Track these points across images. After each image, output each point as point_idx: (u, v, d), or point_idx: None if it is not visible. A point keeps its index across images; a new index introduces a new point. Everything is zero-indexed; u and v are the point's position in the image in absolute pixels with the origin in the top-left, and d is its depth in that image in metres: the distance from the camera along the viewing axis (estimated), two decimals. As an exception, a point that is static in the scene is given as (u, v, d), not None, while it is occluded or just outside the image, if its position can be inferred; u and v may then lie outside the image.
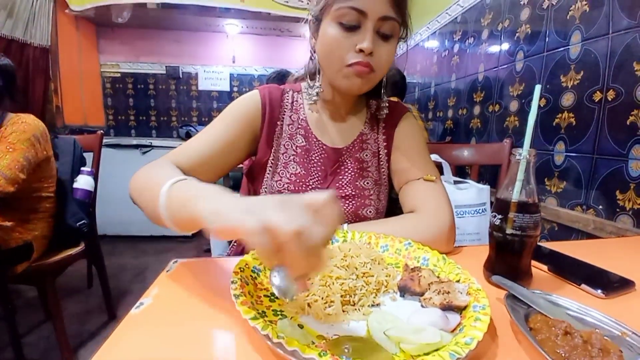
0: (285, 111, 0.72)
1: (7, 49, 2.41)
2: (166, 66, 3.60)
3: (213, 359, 0.32)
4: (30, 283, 1.31)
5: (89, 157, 1.61)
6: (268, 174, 0.71)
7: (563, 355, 0.31)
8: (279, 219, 0.29)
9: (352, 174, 0.72)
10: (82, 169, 1.54)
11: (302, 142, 0.72)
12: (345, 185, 0.71)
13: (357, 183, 0.72)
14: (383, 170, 0.75)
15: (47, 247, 1.31)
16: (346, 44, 0.60)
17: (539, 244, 0.67)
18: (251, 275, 0.44)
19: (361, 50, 0.59)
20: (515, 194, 0.45)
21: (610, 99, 0.98)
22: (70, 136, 1.58)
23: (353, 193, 0.71)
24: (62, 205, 1.35)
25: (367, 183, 0.73)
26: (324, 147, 0.72)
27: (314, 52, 0.69)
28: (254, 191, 0.75)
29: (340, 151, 0.73)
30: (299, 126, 0.72)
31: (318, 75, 0.70)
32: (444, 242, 0.60)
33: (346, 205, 0.70)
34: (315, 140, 0.72)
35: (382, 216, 0.75)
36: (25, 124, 1.18)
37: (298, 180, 0.69)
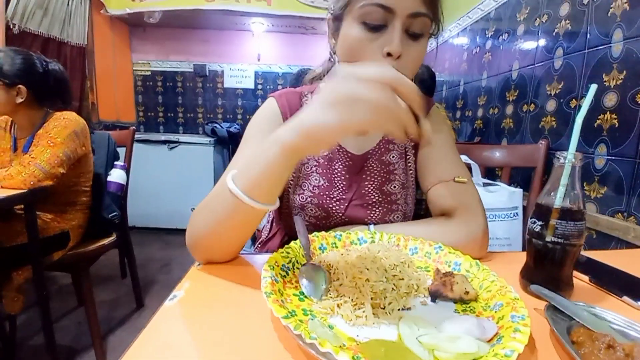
0: None
1: (44, 47, 2.54)
2: (194, 64, 3.69)
3: (244, 355, 0.33)
4: (66, 270, 1.38)
5: (121, 151, 1.68)
6: (290, 187, 0.69)
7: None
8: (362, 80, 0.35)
9: (378, 178, 0.69)
10: (116, 163, 1.61)
11: (324, 151, 0.68)
12: (371, 192, 0.68)
13: (384, 188, 0.69)
14: (411, 172, 0.72)
15: (82, 237, 1.38)
16: (371, 47, 0.54)
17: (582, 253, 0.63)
18: (280, 273, 0.45)
19: (389, 54, 0.53)
20: (558, 200, 0.43)
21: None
22: (104, 132, 1.65)
23: (380, 199, 0.68)
24: (97, 197, 1.42)
25: (394, 187, 0.70)
26: (348, 154, 0.69)
27: (334, 53, 0.64)
28: (278, 207, 0.74)
29: (364, 156, 0.70)
30: None
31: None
32: (477, 248, 0.58)
33: (373, 212, 0.68)
34: (338, 147, 0.69)
35: (409, 220, 0.73)
36: (66, 120, 1.24)
37: (321, 193, 0.67)
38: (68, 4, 2.69)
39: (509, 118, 1.61)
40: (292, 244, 0.51)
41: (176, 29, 3.62)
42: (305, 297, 0.42)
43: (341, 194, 0.68)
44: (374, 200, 0.68)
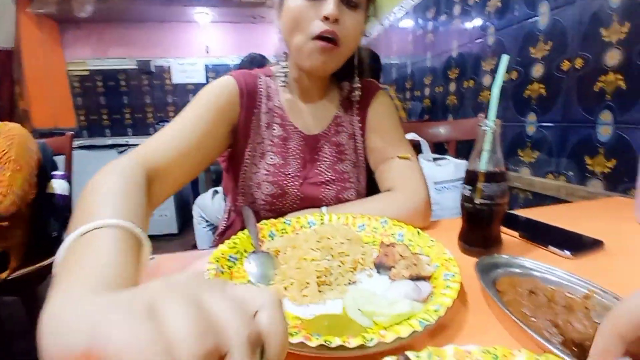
0: (261, 98, 0.70)
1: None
2: (137, 60, 3.47)
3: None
4: (12, 293, 1.27)
5: (60, 161, 1.56)
6: (246, 166, 0.69)
7: (528, 314, 0.32)
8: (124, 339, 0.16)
9: (331, 158, 0.72)
10: (54, 173, 1.48)
11: (280, 131, 0.70)
12: (324, 171, 0.71)
13: (336, 167, 0.72)
14: (360, 151, 0.75)
15: (26, 255, 1.27)
16: (310, 13, 0.58)
17: (511, 212, 0.69)
18: (227, 264, 0.44)
19: (326, 18, 0.57)
20: (483, 164, 0.46)
21: (578, 67, 1.00)
22: (39, 140, 1.51)
23: (333, 178, 0.71)
24: (39, 212, 1.31)
25: (346, 166, 0.73)
26: (301, 134, 0.71)
27: (281, 31, 0.66)
28: (234, 186, 0.74)
29: (317, 137, 0.72)
30: (276, 114, 0.70)
31: (285, 56, 0.69)
32: (421, 218, 0.61)
33: (327, 190, 0.70)
34: (292, 128, 0.71)
35: (363, 197, 0.75)
36: (19, 136, 1.15)
37: (276, 171, 0.68)
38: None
39: (452, 95, 1.69)
40: (239, 234, 0.51)
41: (113, 22, 3.37)
42: (253, 284, 0.42)
43: (296, 171, 0.69)
44: (328, 178, 0.70)
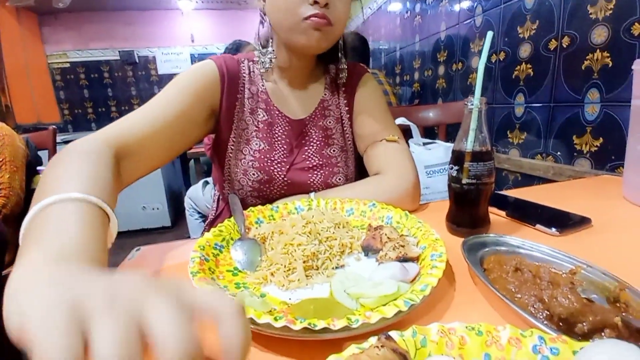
0: (244, 83, 0.68)
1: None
2: (119, 51, 3.38)
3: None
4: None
5: (44, 155, 1.52)
6: (231, 153, 0.68)
7: (513, 290, 0.32)
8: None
9: (318, 143, 0.71)
10: (39, 168, 1.45)
11: (264, 116, 0.68)
12: (311, 156, 0.70)
13: (324, 152, 0.71)
14: (347, 135, 0.74)
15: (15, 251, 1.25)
16: None
17: (500, 192, 0.69)
18: (212, 252, 0.44)
19: (316, 2, 0.56)
20: (469, 144, 0.46)
21: (565, 46, 0.99)
22: (22, 135, 1.47)
23: (320, 162, 0.70)
24: (24, 208, 1.28)
25: (334, 151, 0.72)
26: (287, 119, 0.69)
27: (264, 14, 0.64)
28: (221, 174, 0.72)
29: (303, 122, 0.70)
30: (260, 99, 0.69)
31: (271, 40, 0.67)
32: (409, 201, 0.60)
33: (315, 175, 0.69)
34: (277, 112, 0.69)
35: (351, 182, 0.75)
36: (9, 137, 1.13)
37: (262, 157, 0.67)
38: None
39: (441, 78, 1.68)
40: (225, 221, 0.50)
41: (93, 12, 3.26)
42: (240, 271, 0.41)
43: (282, 157, 0.68)
44: (315, 163, 0.70)
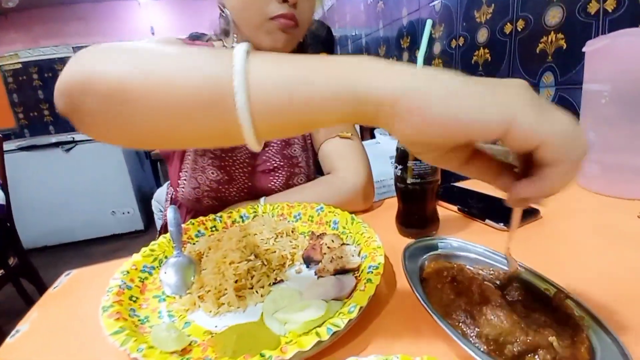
0: None
1: None
2: (73, 47, 3.16)
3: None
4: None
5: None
6: (189, 155, 0.64)
7: (448, 304, 0.30)
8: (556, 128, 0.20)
9: (279, 143, 0.68)
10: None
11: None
12: (272, 157, 0.67)
13: (285, 152, 0.68)
14: (307, 134, 0.71)
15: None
16: None
17: (454, 184, 0.68)
18: (139, 277, 0.40)
19: (285, 1, 0.53)
20: (410, 142, 0.43)
21: (520, 29, 0.99)
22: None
23: (282, 163, 0.67)
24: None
25: (295, 150, 0.69)
26: None
27: (224, 7, 0.60)
28: (178, 171, 0.67)
29: None
30: None
31: (233, 35, 0.62)
32: (360, 201, 0.58)
33: (276, 177, 0.66)
34: None
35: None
36: None
37: (223, 155, 0.63)
38: None
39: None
40: (160, 238, 0.46)
41: (43, 8, 3.02)
42: (168, 296, 0.38)
43: (244, 157, 0.65)
44: (277, 165, 0.67)
